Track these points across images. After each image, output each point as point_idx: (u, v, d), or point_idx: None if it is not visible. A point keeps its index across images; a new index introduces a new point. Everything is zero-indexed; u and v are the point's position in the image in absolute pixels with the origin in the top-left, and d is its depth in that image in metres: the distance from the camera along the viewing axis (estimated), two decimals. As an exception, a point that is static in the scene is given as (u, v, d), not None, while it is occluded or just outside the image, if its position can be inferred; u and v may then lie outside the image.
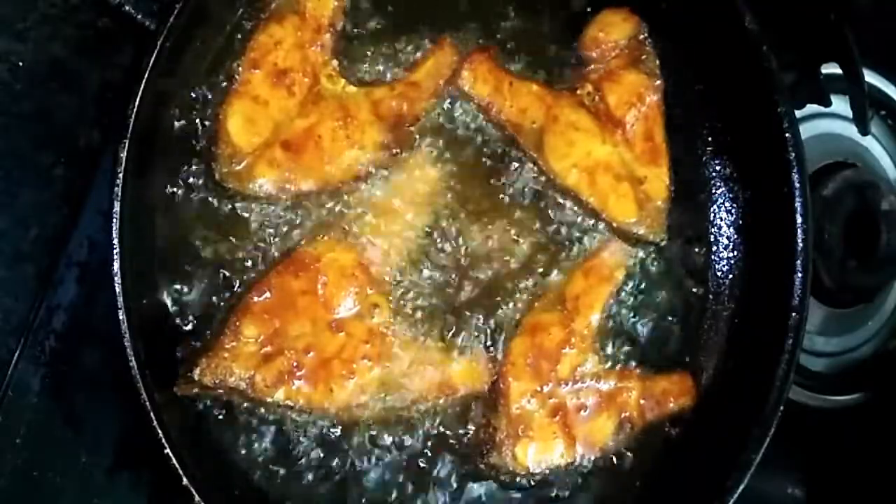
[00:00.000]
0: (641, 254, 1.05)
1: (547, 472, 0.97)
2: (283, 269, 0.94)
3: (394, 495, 0.97)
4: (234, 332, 0.91)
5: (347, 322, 0.94)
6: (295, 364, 0.91)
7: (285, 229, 0.98)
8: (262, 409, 0.94)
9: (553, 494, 1.00)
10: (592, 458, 0.98)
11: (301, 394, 0.91)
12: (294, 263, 0.95)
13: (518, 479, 0.98)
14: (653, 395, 1.00)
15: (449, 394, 0.96)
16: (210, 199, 0.97)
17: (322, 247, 0.96)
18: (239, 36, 1.00)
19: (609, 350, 1.03)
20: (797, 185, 0.99)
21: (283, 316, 0.92)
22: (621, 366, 1.02)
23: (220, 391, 0.91)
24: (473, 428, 0.98)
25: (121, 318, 0.85)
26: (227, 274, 0.96)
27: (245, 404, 0.94)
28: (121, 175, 0.87)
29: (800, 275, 0.98)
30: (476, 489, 0.99)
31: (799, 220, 0.99)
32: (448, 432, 0.98)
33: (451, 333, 0.99)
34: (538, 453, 0.96)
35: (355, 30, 1.03)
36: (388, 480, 0.97)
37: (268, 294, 0.93)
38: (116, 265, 0.86)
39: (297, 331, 0.92)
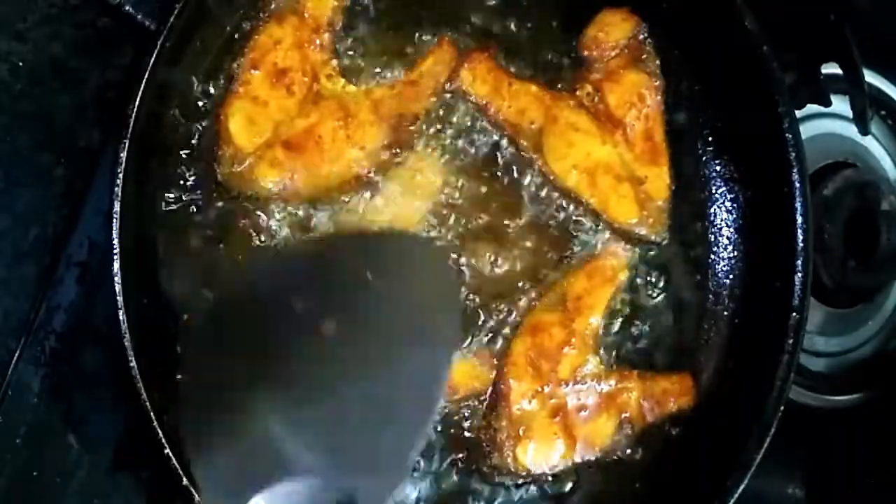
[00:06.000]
0: (641, 254, 1.05)
1: (546, 472, 0.97)
2: None
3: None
4: None
5: None
6: None
7: (285, 230, 0.98)
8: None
9: (551, 494, 1.00)
10: (592, 458, 0.98)
11: None
12: None
13: (518, 479, 0.97)
14: (653, 396, 1.00)
15: (450, 394, 0.96)
16: (211, 199, 0.97)
17: None
18: (239, 36, 1.00)
19: (609, 350, 1.02)
20: (797, 185, 0.99)
21: None
22: (621, 366, 1.02)
23: None
24: (473, 429, 0.98)
25: (121, 318, 0.85)
26: (228, 274, 0.96)
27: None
28: (121, 175, 0.87)
29: (800, 275, 0.98)
30: (477, 489, 0.99)
31: (799, 220, 0.99)
32: (448, 433, 0.98)
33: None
34: (538, 454, 0.96)
35: (355, 29, 1.03)
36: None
37: None
38: (116, 265, 0.86)
39: None
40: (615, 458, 1.00)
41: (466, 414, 0.98)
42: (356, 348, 0.69)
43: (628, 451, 1.00)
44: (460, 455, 0.98)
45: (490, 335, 1.00)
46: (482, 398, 0.98)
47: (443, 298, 0.72)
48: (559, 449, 0.97)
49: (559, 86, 1.05)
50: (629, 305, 1.04)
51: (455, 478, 0.98)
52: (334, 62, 1.01)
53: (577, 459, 0.97)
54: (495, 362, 0.98)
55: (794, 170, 0.99)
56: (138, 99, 0.88)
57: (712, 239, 1.08)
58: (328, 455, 0.66)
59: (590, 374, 0.99)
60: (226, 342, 0.73)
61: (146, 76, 0.89)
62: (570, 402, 0.98)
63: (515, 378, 0.97)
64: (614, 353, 1.03)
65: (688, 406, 1.01)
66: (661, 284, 1.05)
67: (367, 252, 0.76)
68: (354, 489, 0.64)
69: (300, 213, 0.98)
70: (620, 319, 1.04)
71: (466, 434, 0.98)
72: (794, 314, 0.97)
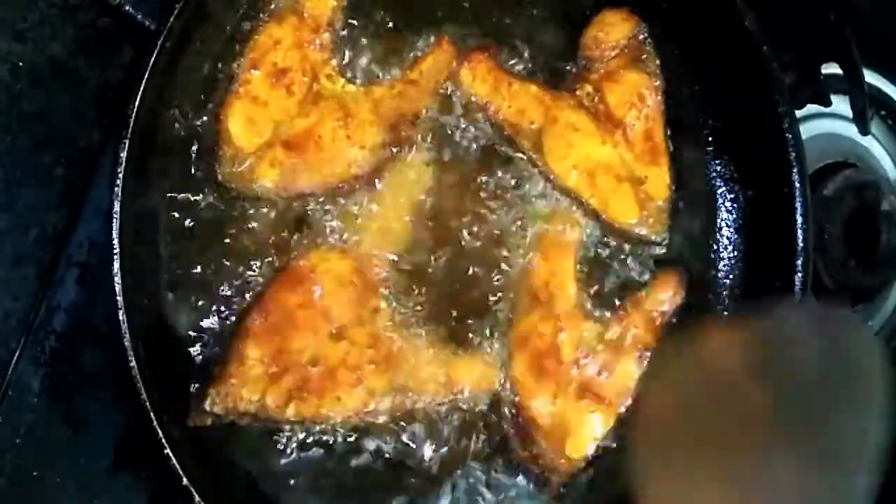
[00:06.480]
0: (641, 254, 1.05)
1: (600, 446, 0.97)
2: (279, 286, 0.94)
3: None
4: (239, 357, 0.91)
5: (349, 329, 0.94)
6: (302, 379, 0.91)
7: (285, 230, 0.98)
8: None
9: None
10: (629, 404, 0.98)
11: (311, 407, 0.91)
12: (289, 278, 0.94)
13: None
14: (651, 310, 1.00)
15: (457, 393, 0.96)
16: (211, 199, 0.97)
17: (315, 258, 0.96)
18: (239, 36, 1.00)
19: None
20: (797, 185, 0.99)
21: (284, 333, 0.92)
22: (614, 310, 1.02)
23: (232, 416, 0.92)
24: (521, 459, 0.98)
25: (121, 318, 0.86)
26: (228, 274, 0.96)
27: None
28: (121, 175, 0.87)
29: (800, 275, 0.98)
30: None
31: (799, 220, 0.99)
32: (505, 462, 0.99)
33: (454, 333, 0.98)
34: (585, 438, 0.96)
35: (354, 29, 1.03)
36: (400, 482, 0.97)
37: (267, 314, 0.93)
38: (116, 265, 0.86)
39: (300, 345, 0.92)
40: (617, 456, 0.99)
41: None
42: (794, 423, 0.74)
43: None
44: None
45: (493, 333, 0.99)
46: (486, 404, 0.98)
47: (865, 367, 0.75)
48: (598, 420, 0.97)
49: (559, 86, 1.05)
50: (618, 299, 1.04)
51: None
52: (334, 62, 1.01)
53: (620, 412, 0.97)
54: (501, 360, 0.98)
55: (794, 170, 0.99)
56: (138, 99, 0.89)
57: (712, 239, 1.08)
58: None
59: (593, 338, 0.99)
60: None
61: (146, 76, 0.89)
62: (589, 373, 0.98)
63: (530, 396, 0.97)
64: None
65: (683, 297, 1.01)
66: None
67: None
68: None
69: (299, 211, 0.98)
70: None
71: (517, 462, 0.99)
72: (795, 314, 0.97)
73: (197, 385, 0.93)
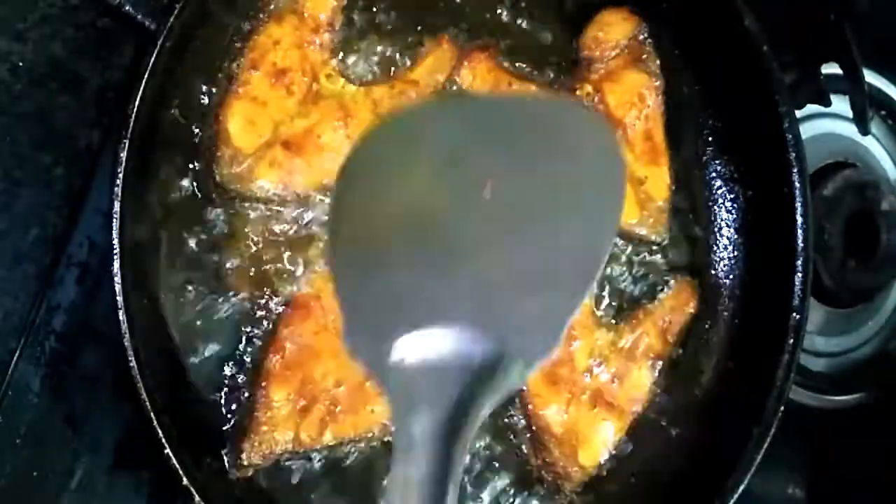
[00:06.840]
0: (641, 254, 1.05)
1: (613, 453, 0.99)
2: (289, 320, 0.93)
3: None
4: (266, 402, 0.90)
5: None
6: (332, 402, 0.91)
7: (284, 231, 0.98)
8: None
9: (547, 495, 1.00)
10: (640, 411, 0.99)
11: (347, 426, 0.91)
12: (297, 309, 0.94)
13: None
14: (664, 319, 1.01)
15: None
16: (211, 199, 0.97)
17: (317, 283, 0.95)
18: (239, 36, 1.00)
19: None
20: (797, 185, 0.99)
21: (304, 364, 0.92)
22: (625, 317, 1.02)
23: (273, 458, 0.91)
24: (534, 467, 0.99)
25: (121, 318, 0.85)
26: (228, 276, 0.96)
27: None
28: (121, 175, 0.87)
29: (800, 275, 0.98)
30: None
31: (799, 220, 0.99)
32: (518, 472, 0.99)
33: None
34: (598, 447, 0.97)
35: (354, 29, 1.03)
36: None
37: (283, 351, 0.92)
38: (116, 265, 0.86)
39: (322, 371, 0.92)
40: (614, 457, 1.00)
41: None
42: (515, 211, 0.65)
43: (664, 394, 1.02)
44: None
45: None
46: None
47: (605, 170, 0.67)
48: (610, 428, 0.97)
49: (559, 86, 1.05)
50: (628, 306, 1.04)
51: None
52: (334, 62, 1.01)
53: (629, 421, 0.98)
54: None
55: (794, 170, 0.99)
56: (138, 99, 0.88)
57: (712, 239, 1.08)
58: (479, 309, 0.61)
59: (605, 346, 0.99)
60: (379, 184, 0.68)
61: (146, 76, 0.89)
62: (602, 381, 0.98)
63: (544, 406, 0.97)
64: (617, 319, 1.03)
65: (696, 309, 1.03)
66: (660, 285, 1.05)
67: (534, 117, 0.71)
68: (502, 349, 0.59)
69: (299, 212, 0.98)
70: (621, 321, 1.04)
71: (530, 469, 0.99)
72: (794, 314, 0.97)
73: (226, 427, 0.93)
